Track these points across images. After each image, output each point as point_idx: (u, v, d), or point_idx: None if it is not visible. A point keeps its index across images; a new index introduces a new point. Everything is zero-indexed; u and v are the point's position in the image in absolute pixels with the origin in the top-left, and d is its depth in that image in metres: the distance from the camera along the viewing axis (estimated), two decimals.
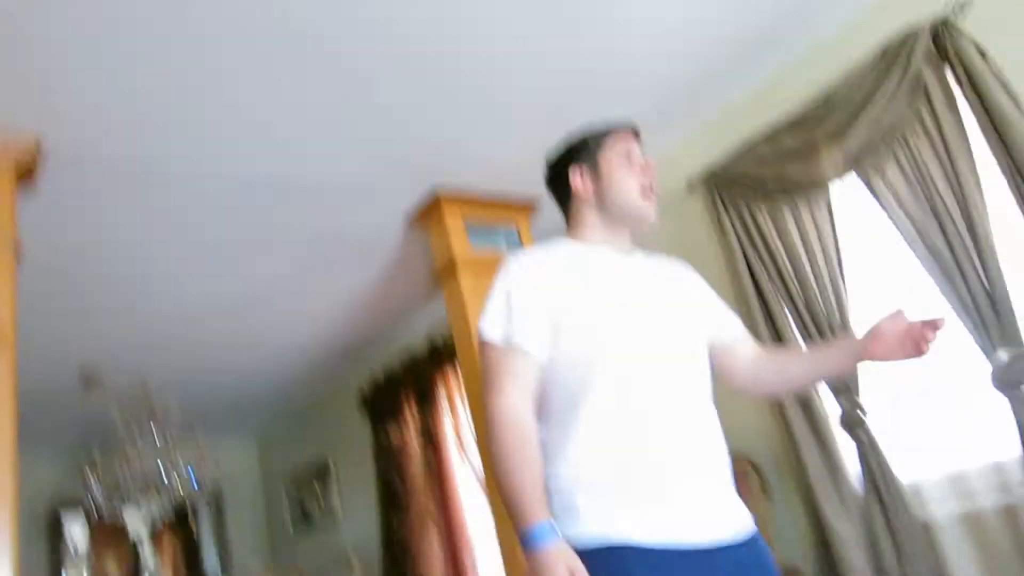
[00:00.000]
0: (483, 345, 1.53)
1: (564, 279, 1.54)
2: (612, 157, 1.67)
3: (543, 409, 1.51)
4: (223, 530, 6.85)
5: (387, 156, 3.05)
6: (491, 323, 1.53)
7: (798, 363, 1.80)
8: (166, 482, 4.56)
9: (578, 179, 1.69)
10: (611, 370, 1.47)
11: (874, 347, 1.60)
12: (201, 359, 4.83)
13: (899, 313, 1.59)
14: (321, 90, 2.58)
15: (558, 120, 2.97)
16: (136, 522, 6.00)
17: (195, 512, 6.80)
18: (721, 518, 1.45)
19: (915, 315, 1.61)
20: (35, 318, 3.55)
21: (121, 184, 2.74)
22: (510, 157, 3.29)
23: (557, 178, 1.76)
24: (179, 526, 6.87)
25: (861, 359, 1.65)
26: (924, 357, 1.58)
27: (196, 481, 4.73)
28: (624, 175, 1.66)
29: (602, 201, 1.67)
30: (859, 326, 2.72)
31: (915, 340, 1.56)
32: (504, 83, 2.80)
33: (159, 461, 4.49)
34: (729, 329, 1.77)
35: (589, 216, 1.69)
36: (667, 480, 1.41)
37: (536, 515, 1.32)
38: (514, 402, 1.45)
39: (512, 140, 3.14)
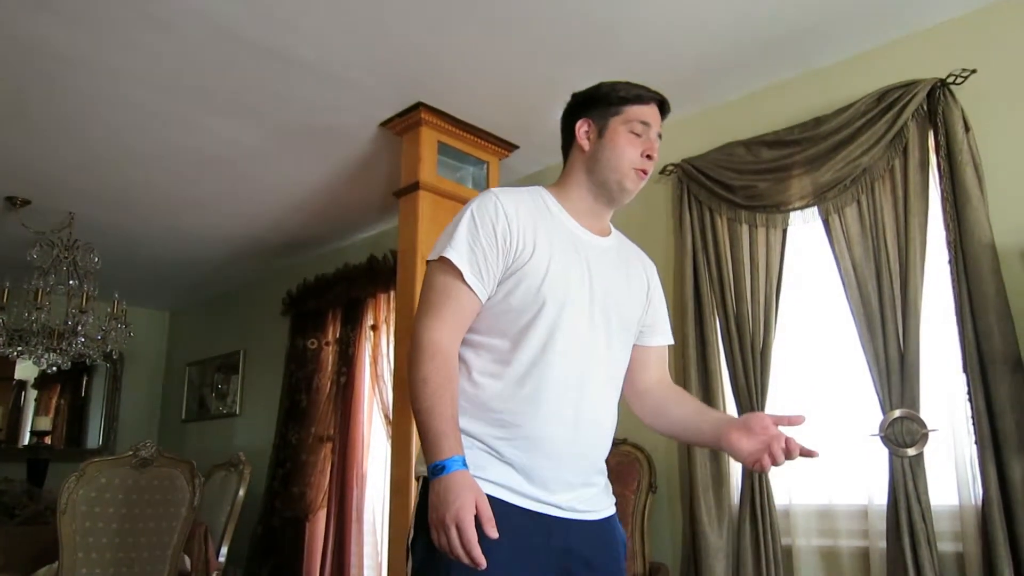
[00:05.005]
0: (438, 263, 1.59)
1: (530, 238, 1.61)
2: (623, 125, 1.70)
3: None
4: (114, 400, 7.00)
5: (380, 58, 3.19)
6: (450, 245, 1.57)
7: (678, 405, 1.86)
8: (71, 335, 4.68)
9: (582, 132, 1.74)
10: (534, 345, 1.59)
11: (738, 438, 1.66)
12: (131, 210, 4.82)
13: (793, 418, 1.65)
14: None
15: (557, 69, 3.17)
16: (28, 368, 6.14)
17: (90, 374, 6.94)
18: (585, 498, 1.64)
19: (799, 435, 1.62)
20: None
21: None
22: (501, 95, 3.48)
23: (568, 119, 1.79)
24: (71, 385, 7.01)
25: (721, 441, 1.69)
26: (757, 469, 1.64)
27: (102, 341, 4.87)
28: (626, 145, 1.68)
29: (595, 162, 1.71)
30: (777, 356, 3.03)
31: (770, 454, 1.60)
32: (514, 18, 2.93)
33: (69, 311, 4.61)
34: (656, 339, 1.90)
35: (579, 173, 1.74)
36: (547, 458, 1.58)
37: (453, 450, 1.45)
38: (448, 334, 1.55)
39: (507, 78, 3.32)
